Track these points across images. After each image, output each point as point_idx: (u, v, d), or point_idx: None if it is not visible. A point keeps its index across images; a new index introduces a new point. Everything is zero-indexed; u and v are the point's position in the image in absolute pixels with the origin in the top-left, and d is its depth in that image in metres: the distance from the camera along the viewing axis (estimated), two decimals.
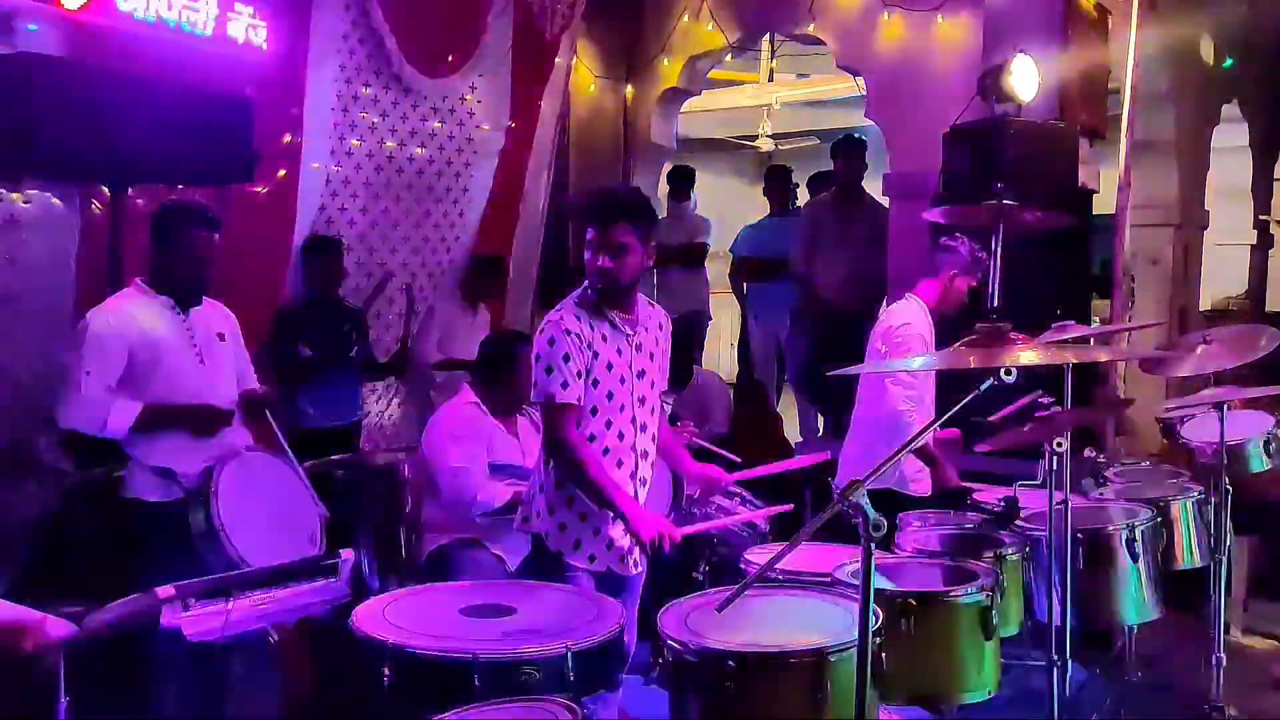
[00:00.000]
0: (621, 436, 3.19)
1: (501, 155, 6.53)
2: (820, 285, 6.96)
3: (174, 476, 3.47)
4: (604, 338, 3.14)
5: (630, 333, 3.21)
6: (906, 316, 4.27)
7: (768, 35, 8.90)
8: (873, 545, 1.74)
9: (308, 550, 3.54)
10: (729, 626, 2.31)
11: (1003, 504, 3.71)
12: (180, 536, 3.44)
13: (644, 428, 3.25)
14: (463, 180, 6.37)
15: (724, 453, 4.77)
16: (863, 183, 7.10)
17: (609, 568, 3.18)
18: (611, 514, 3.12)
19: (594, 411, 3.14)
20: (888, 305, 6.81)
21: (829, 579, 2.85)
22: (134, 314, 3.53)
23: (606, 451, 3.15)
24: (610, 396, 3.15)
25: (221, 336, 3.73)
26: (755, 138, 12.35)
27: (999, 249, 4.38)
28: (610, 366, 3.14)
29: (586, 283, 3.18)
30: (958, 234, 4.38)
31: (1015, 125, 5.56)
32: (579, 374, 3.07)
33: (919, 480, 4.26)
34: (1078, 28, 6.01)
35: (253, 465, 3.61)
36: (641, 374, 3.24)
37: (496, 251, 6.49)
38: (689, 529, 3.30)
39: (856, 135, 7.28)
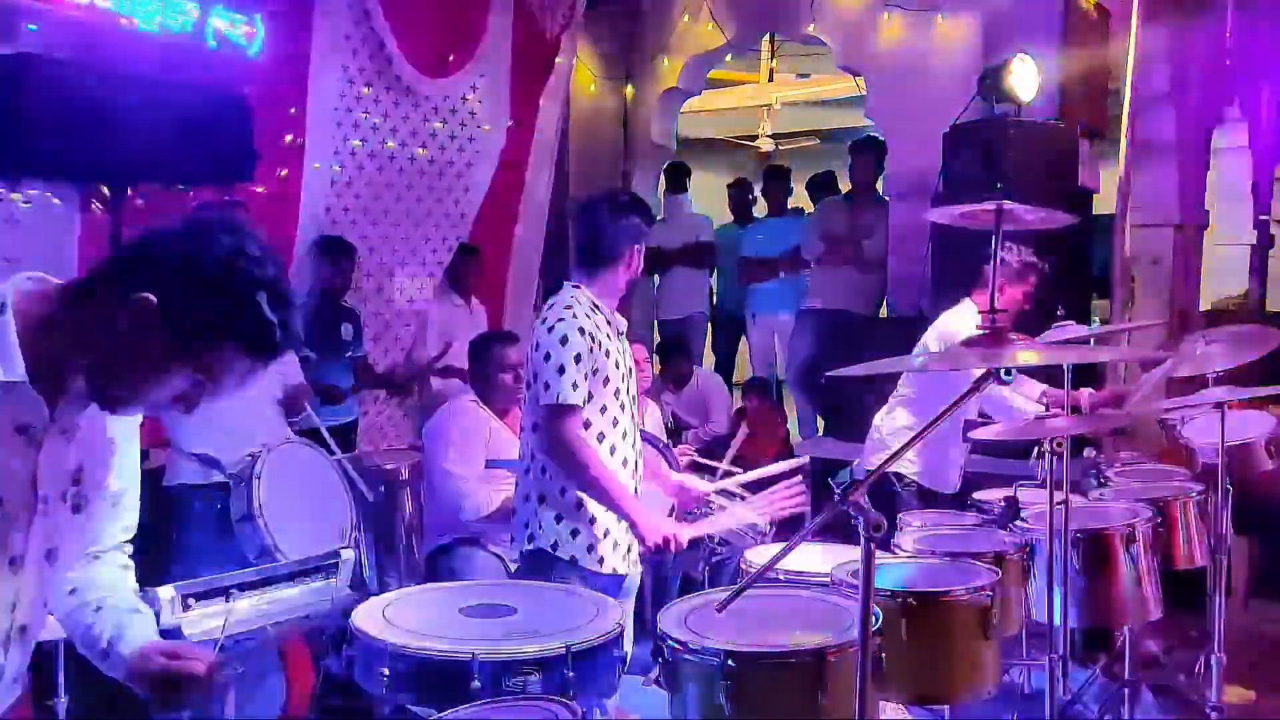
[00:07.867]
0: (625, 435, 3.18)
1: (502, 155, 6.54)
2: (826, 286, 6.96)
3: (216, 464, 3.54)
4: (607, 335, 3.14)
5: (622, 329, 3.24)
6: (957, 322, 4.32)
7: (768, 35, 8.89)
8: (873, 545, 1.73)
9: (337, 543, 3.56)
10: (729, 626, 2.30)
11: (1003, 504, 3.71)
12: (220, 516, 3.55)
13: (642, 424, 3.27)
14: (463, 180, 6.38)
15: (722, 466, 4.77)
16: (876, 184, 7.10)
17: (614, 569, 3.17)
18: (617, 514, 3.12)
19: (603, 410, 3.09)
20: (888, 305, 6.89)
21: (829, 579, 2.84)
22: None
23: (614, 450, 3.14)
24: (617, 394, 3.14)
25: None
26: (755, 138, 12.34)
27: (999, 249, 4.39)
28: (617, 364, 3.14)
29: (575, 282, 3.18)
30: (1007, 243, 4.40)
31: (1015, 125, 5.56)
32: (588, 375, 3.03)
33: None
34: (1078, 28, 6.01)
35: (294, 455, 3.68)
36: (632, 371, 3.26)
37: (496, 251, 6.50)
38: (693, 530, 3.25)
39: (874, 136, 7.26)
